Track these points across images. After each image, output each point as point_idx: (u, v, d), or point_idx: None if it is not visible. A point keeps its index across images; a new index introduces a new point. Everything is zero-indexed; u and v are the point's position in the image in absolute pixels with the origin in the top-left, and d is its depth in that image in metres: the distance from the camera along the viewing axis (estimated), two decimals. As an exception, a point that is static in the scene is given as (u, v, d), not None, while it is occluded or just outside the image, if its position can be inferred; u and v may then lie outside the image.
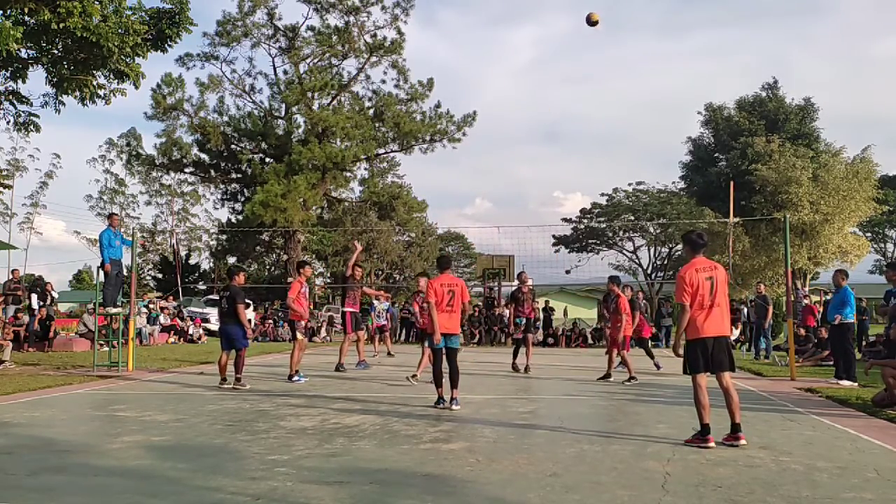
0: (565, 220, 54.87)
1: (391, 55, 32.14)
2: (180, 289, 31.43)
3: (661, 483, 4.57)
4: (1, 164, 30.49)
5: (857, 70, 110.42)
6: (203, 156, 33.48)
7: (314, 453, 5.49)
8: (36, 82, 77.25)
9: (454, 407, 7.79)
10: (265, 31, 32.14)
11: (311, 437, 6.15)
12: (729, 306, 6.34)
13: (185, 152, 32.65)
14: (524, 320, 13.17)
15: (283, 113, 33.40)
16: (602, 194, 54.48)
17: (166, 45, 12.95)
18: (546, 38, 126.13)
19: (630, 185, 52.72)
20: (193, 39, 77.06)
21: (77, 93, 12.70)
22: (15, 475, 4.81)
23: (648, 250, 54.85)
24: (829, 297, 19.09)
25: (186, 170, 34.52)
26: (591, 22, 8.16)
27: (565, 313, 32.87)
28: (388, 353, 16.93)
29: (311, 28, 32.47)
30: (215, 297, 24.11)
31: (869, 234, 51.16)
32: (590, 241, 54.71)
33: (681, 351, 6.08)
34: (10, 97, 13.44)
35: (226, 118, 32.48)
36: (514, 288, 13.85)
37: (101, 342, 14.42)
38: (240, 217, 33.95)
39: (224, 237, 39.26)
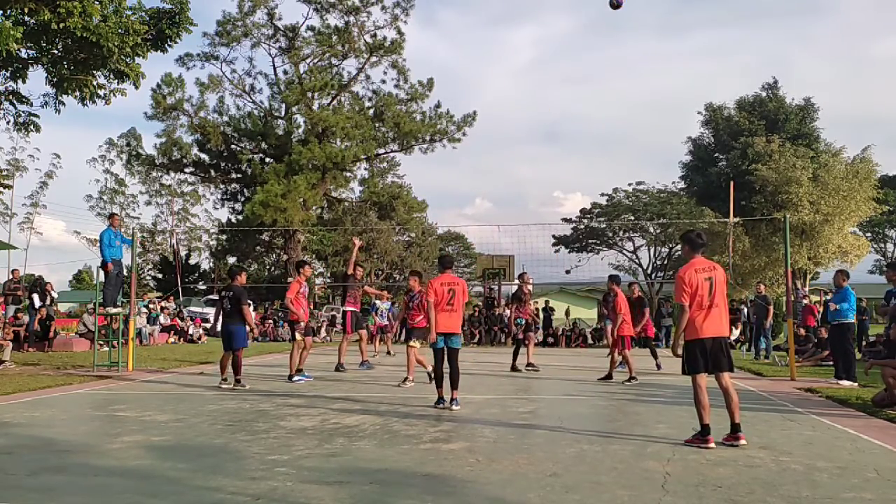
0: (565, 219, 54.91)
1: (391, 55, 32.18)
2: (180, 289, 31.45)
3: (661, 483, 4.57)
4: (1, 164, 30.52)
5: (857, 70, 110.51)
6: (203, 156, 33.52)
7: (314, 453, 5.49)
8: (36, 82, 77.45)
9: (454, 407, 7.79)
10: (265, 31, 32.21)
11: (311, 437, 6.15)
12: (728, 307, 6.34)
13: (185, 152, 32.68)
14: (524, 321, 13.17)
15: (283, 113, 33.43)
16: (602, 194, 54.52)
17: (166, 45, 12.95)
18: (546, 38, 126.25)
19: (630, 185, 52.76)
20: (193, 39, 77.15)
21: (77, 93, 12.70)
22: (15, 475, 4.81)
23: (648, 250, 54.88)
24: (829, 298, 19.11)
25: (186, 170, 34.56)
26: (615, 5, 8.13)
27: (567, 314, 32.84)
28: (388, 353, 16.94)
29: (311, 28, 32.55)
30: (215, 297, 24.13)
31: (869, 234, 51.20)
32: (590, 241, 54.72)
33: (679, 351, 6.08)
34: (10, 97, 13.45)
35: (226, 118, 32.53)
36: (515, 288, 13.81)
37: (101, 342, 14.42)
38: (240, 217, 33.98)
39: (224, 237, 39.30)
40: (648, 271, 53.41)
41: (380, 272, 40.39)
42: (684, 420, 6.82)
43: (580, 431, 6.53)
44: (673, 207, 47.33)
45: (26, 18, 11.85)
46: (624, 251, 55.10)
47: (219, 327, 10.66)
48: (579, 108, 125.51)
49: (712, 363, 5.83)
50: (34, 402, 8.54)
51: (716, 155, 39.91)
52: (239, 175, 34.25)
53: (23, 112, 13.70)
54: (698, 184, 40.00)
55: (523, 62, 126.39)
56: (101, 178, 47.23)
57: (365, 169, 37.49)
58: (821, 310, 18.85)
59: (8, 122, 13.86)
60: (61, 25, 11.29)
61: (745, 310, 19.85)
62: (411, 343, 10.34)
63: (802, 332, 16.54)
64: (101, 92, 12.86)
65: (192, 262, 45.41)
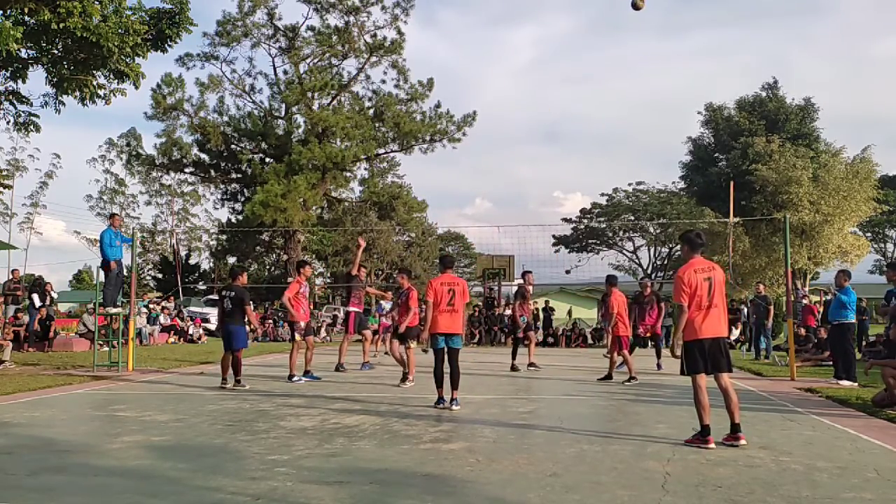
0: (565, 220, 55.03)
1: (391, 55, 32.13)
2: (180, 289, 31.44)
3: (661, 483, 4.57)
4: (1, 164, 30.54)
5: (857, 70, 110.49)
6: (203, 156, 33.48)
7: (314, 453, 5.49)
8: (36, 82, 77.33)
9: (454, 407, 7.78)
10: (265, 31, 32.15)
11: (311, 437, 6.15)
12: (726, 307, 6.34)
13: (185, 152, 32.64)
14: (525, 319, 13.18)
15: (283, 113, 33.40)
16: (602, 194, 54.63)
17: (166, 45, 12.95)
18: (546, 38, 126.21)
19: (630, 185, 52.87)
20: (193, 39, 77.19)
21: (77, 93, 12.71)
22: (15, 475, 4.81)
23: (648, 250, 54.96)
24: (829, 298, 19.10)
25: (186, 170, 34.52)
26: (636, 6, 8.17)
27: (570, 314, 32.86)
28: (387, 353, 16.93)
29: (311, 28, 32.49)
30: (215, 297, 24.11)
31: (869, 234, 51.21)
32: (590, 241, 54.79)
33: (678, 352, 6.09)
34: (10, 97, 13.45)
35: (226, 118, 32.48)
36: (519, 285, 13.75)
37: (101, 342, 14.42)
38: (240, 217, 33.96)
39: (224, 237, 39.29)
40: (648, 271, 53.43)
41: (380, 272, 40.39)
42: (684, 420, 6.82)
43: (580, 431, 6.53)
44: (673, 207, 47.39)
45: (26, 18, 11.86)
46: (624, 251, 55.20)
47: None
48: (579, 108, 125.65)
49: (711, 364, 5.83)
50: (34, 402, 8.54)
51: (716, 155, 39.93)
52: (239, 175, 34.23)
53: (23, 112, 13.73)
54: (698, 184, 40.01)
55: (523, 62, 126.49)
56: (101, 178, 47.31)
57: (365, 169, 37.51)
58: (821, 310, 18.87)
59: (8, 122, 13.89)
60: (61, 25, 11.29)
61: (745, 310, 19.85)
62: (409, 344, 10.32)
63: (803, 331, 16.54)
64: (101, 92, 12.87)
65: (192, 262, 45.43)
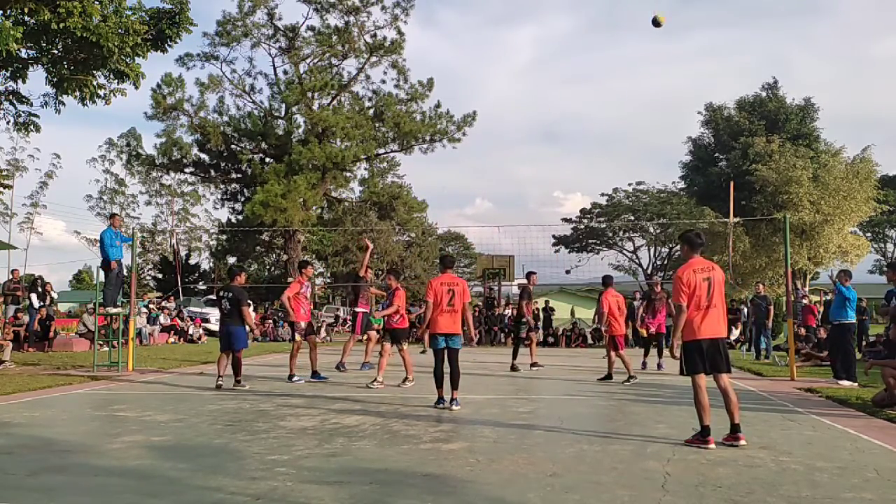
0: (565, 220, 55.05)
1: (391, 55, 32.11)
2: (180, 289, 31.44)
3: (661, 483, 4.57)
4: (1, 164, 30.52)
5: (857, 70, 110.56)
6: (203, 156, 33.47)
7: (314, 453, 5.49)
8: (36, 82, 77.26)
9: (454, 407, 7.78)
10: (265, 31, 32.12)
11: (311, 437, 6.15)
12: (726, 307, 6.34)
13: (185, 152, 32.62)
14: (527, 319, 13.18)
15: (283, 113, 33.39)
16: (602, 194, 54.64)
17: (166, 45, 12.96)
18: (546, 38, 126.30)
19: (630, 185, 52.88)
20: (193, 39, 77.30)
21: (77, 93, 12.71)
22: (15, 475, 4.81)
23: (648, 250, 54.97)
24: (829, 297, 19.11)
25: (186, 170, 34.50)
26: (657, 23, 8.19)
27: (572, 313, 32.85)
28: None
29: (311, 28, 32.47)
30: (215, 297, 24.12)
31: (869, 234, 51.21)
32: (590, 241, 54.81)
33: (677, 352, 6.08)
34: (10, 97, 13.46)
35: (226, 118, 32.46)
36: (525, 285, 13.70)
37: (101, 342, 14.41)
38: (240, 217, 33.96)
39: (224, 237, 39.28)
40: (648, 271, 53.44)
41: (380, 272, 40.38)
42: (684, 420, 6.81)
43: (580, 431, 6.53)
44: (673, 207, 47.40)
45: (26, 18, 11.86)
46: (624, 251, 55.22)
47: None
48: (579, 108, 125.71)
49: (710, 364, 5.82)
50: (34, 402, 8.54)
51: (716, 155, 39.94)
52: (239, 175, 34.21)
53: (23, 112, 13.73)
54: (698, 184, 40.02)
55: (523, 62, 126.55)
56: (101, 178, 47.23)
57: (365, 169, 37.46)
58: (821, 310, 18.87)
59: (8, 122, 13.89)
60: (61, 25, 11.29)
61: (745, 310, 19.85)
62: (402, 346, 10.31)
63: (803, 331, 16.54)
64: (101, 92, 12.87)
65: (192, 262, 45.41)
